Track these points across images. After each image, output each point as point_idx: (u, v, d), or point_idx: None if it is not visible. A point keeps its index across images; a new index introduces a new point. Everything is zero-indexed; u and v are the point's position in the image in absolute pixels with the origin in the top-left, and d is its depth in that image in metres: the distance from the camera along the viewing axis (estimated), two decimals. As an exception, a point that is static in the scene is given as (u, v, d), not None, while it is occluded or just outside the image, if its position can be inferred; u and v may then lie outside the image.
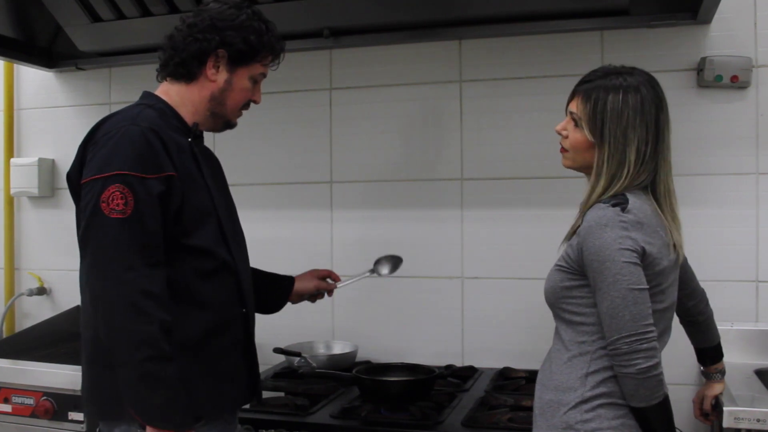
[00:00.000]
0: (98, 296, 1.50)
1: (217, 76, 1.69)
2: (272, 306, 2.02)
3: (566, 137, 1.63)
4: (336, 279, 2.11)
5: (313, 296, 2.09)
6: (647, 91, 1.56)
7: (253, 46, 1.68)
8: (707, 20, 2.34)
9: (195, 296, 1.62)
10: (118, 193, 1.49)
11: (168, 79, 1.73)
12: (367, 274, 2.25)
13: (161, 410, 1.48)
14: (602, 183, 1.56)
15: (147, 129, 1.57)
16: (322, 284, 2.07)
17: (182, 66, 1.69)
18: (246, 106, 1.79)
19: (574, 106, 1.61)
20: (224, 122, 1.77)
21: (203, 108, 1.71)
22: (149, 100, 1.72)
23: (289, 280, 2.03)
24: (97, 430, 1.70)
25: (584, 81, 1.61)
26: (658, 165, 1.58)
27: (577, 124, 1.60)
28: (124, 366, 1.47)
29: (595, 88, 1.57)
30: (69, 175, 1.65)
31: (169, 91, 1.72)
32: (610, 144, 1.54)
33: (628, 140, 1.53)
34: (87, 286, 1.53)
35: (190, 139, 1.69)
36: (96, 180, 1.52)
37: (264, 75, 1.77)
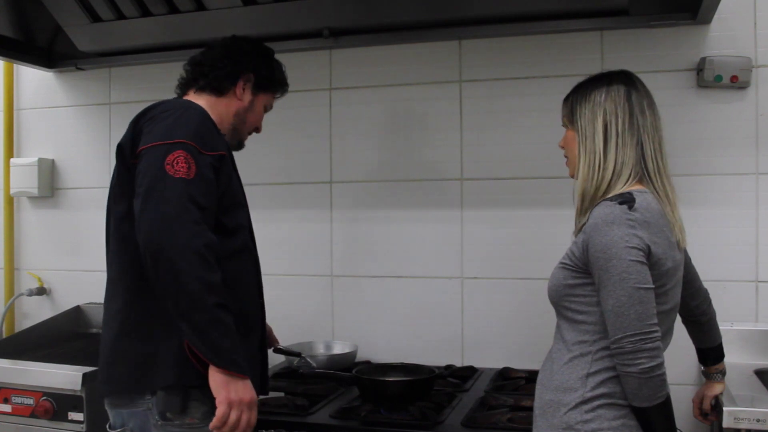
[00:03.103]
0: (164, 247, 1.50)
1: (243, 96, 1.89)
2: None
3: (563, 146, 1.72)
4: (272, 342, 2.17)
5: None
6: (616, 78, 1.64)
7: (275, 78, 1.95)
8: (707, 20, 2.34)
9: (228, 276, 1.63)
10: (182, 158, 1.57)
11: (195, 90, 1.87)
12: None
13: (230, 354, 1.55)
14: (583, 162, 1.60)
15: (204, 112, 1.73)
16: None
17: (217, 81, 1.85)
18: (252, 131, 1.98)
19: (561, 115, 1.71)
20: (239, 141, 1.94)
21: (227, 122, 1.87)
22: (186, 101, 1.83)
23: None
24: (107, 425, 1.71)
25: (568, 94, 1.71)
26: (642, 140, 1.59)
27: (565, 126, 1.69)
28: (197, 311, 1.51)
29: (572, 91, 1.69)
30: (120, 146, 1.71)
31: (198, 100, 1.84)
32: (581, 126, 1.62)
33: (595, 115, 1.61)
34: (149, 242, 1.52)
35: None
36: (160, 146, 1.59)
37: (271, 107, 2.01)
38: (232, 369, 1.55)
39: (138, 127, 1.68)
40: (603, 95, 1.61)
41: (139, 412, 1.65)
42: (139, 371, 1.64)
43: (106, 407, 1.74)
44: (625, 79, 1.64)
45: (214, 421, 1.56)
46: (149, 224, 1.53)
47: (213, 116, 1.80)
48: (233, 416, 1.56)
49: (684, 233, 1.62)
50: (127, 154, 1.68)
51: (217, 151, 1.67)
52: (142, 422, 1.65)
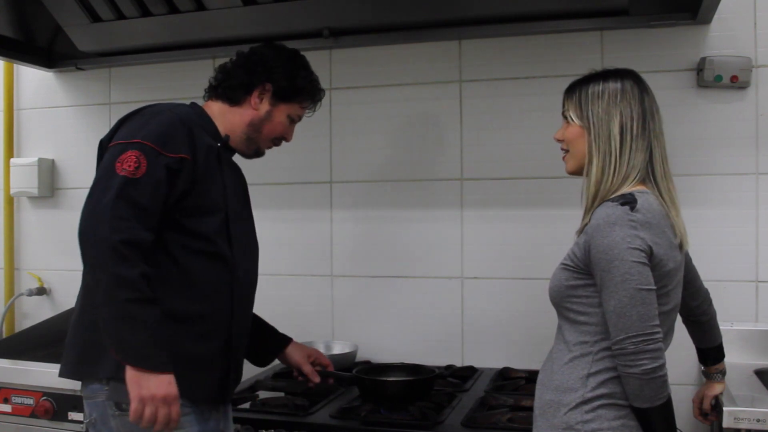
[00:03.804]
0: (88, 238, 1.57)
1: (259, 106, 1.86)
2: (260, 358, 2.08)
3: (563, 139, 1.68)
4: (325, 363, 2.11)
5: (296, 373, 2.10)
6: (627, 77, 1.62)
7: (296, 87, 1.88)
8: (707, 20, 2.34)
9: (186, 275, 1.69)
10: (133, 157, 1.61)
11: (213, 97, 1.89)
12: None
13: (139, 350, 1.55)
14: (596, 163, 1.58)
15: (178, 116, 1.71)
16: (306, 367, 2.06)
17: (230, 90, 1.85)
18: (278, 141, 1.94)
19: (563, 108, 1.67)
20: (255, 149, 1.92)
21: (240, 130, 1.86)
22: (191, 105, 1.87)
23: (284, 340, 2.08)
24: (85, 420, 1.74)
25: (569, 86, 1.68)
26: (652, 145, 1.59)
27: (568, 120, 1.65)
28: (106, 305, 1.55)
29: (578, 84, 1.65)
30: (101, 142, 1.77)
31: (211, 106, 1.88)
32: (594, 123, 1.59)
33: (610, 116, 1.58)
34: (80, 232, 1.59)
35: (219, 144, 1.81)
36: (119, 144, 1.65)
37: (300, 117, 1.95)
38: (141, 365, 1.55)
39: (120, 126, 1.73)
40: (618, 95, 1.59)
41: (99, 402, 1.68)
42: (86, 359, 1.69)
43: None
44: (637, 80, 1.62)
45: (130, 417, 1.57)
46: (82, 216, 1.60)
47: (223, 124, 1.84)
48: (147, 412, 1.56)
49: (686, 236, 1.62)
50: (104, 147, 1.74)
51: (179, 153, 1.66)
52: (102, 412, 1.67)
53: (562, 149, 1.69)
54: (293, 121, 1.93)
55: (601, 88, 1.60)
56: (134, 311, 1.54)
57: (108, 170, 1.62)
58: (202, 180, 1.71)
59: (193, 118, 1.77)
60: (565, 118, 1.67)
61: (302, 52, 2.68)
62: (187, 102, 1.88)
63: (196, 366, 1.70)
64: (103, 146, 1.75)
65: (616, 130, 1.57)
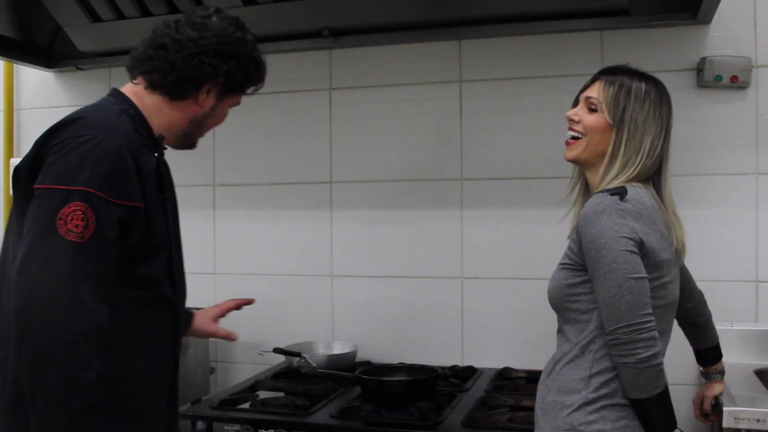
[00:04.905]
0: (32, 331, 1.29)
1: (205, 102, 1.59)
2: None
3: (578, 122, 1.62)
4: (231, 306, 1.89)
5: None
6: (663, 92, 1.62)
7: (250, 79, 1.63)
8: (707, 20, 2.34)
9: (131, 328, 1.47)
10: (79, 212, 1.32)
11: (146, 86, 1.58)
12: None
13: None
14: (617, 166, 1.56)
15: (124, 147, 1.43)
16: (219, 331, 1.84)
17: (176, 84, 1.55)
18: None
19: (593, 91, 1.61)
20: (190, 143, 1.68)
21: (179, 128, 1.61)
22: (123, 103, 1.57)
23: (188, 317, 1.81)
24: None
25: (607, 71, 1.64)
26: (663, 161, 1.60)
27: (593, 109, 1.60)
28: (50, 413, 1.28)
29: (620, 76, 1.61)
30: (18, 170, 1.44)
31: (144, 98, 1.58)
32: (629, 129, 1.57)
33: (646, 129, 1.57)
34: (18, 317, 1.30)
35: (156, 155, 1.56)
36: (56, 191, 1.34)
37: (239, 103, 1.69)
38: None
39: (44, 150, 1.40)
40: (657, 109, 1.58)
41: None
42: None
43: None
44: (668, 99, 1.62)
45: None
46: (23, 295, 1.30)
47: (159, 121, 1.57)
48: None
49: (684, 247, 1.62)
50: (24, 181, 1.42)
51: (130, 201, 1.40)
52: None
53: (573, 130, 1.63)
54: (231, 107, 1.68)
55: (643, 94, 1.58)
56: (87, 423, 1.29)
57: (48, 229, 1.31)
58: (150, 222, 1.47)
59: (134, 136, 1.49)
60: (592, 103, 1.60)
61: (302, 52, 2.70)
62: None
63: (143, 424, 1.52)
64: (21, 177, 1.41)
65: (647, 145, 1.56)
